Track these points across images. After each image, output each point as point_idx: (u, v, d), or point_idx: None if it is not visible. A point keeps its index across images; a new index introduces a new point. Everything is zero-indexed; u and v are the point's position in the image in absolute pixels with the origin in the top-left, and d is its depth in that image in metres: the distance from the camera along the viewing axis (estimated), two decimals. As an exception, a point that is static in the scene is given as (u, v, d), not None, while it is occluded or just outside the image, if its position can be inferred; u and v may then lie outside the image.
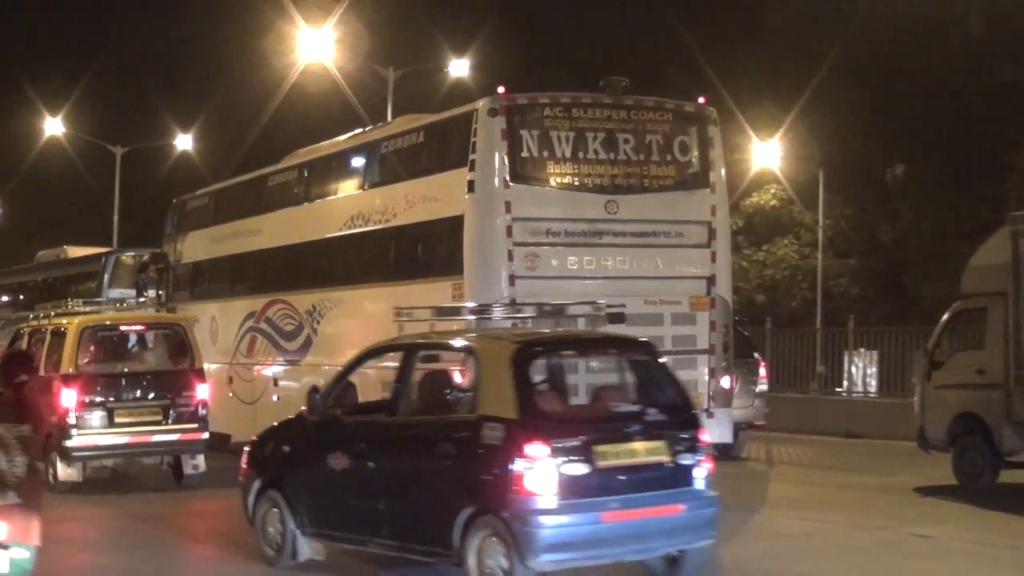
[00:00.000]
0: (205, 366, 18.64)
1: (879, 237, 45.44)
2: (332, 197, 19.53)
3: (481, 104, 15.90)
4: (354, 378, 12.36)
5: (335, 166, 19.91)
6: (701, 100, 16.95)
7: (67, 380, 17.42)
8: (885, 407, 25.62)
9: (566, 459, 9.98)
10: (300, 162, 21.08)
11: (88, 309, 19.71)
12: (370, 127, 19.72)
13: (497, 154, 15.69)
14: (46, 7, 68.96)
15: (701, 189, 16.66)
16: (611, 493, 10.14)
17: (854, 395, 27.56)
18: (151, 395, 17.85)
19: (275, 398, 20.26)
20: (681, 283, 16.46)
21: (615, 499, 10.14)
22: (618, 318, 15.71)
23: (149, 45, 63.33)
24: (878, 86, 45.21)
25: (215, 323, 22.41)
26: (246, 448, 12.86)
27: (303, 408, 12.13)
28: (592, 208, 16.02)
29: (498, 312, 12.26)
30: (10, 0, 65.15)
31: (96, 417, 17.49)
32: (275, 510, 12.05)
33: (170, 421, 17.77)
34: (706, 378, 16.45)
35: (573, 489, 9.97)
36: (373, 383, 14.40)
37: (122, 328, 18.80)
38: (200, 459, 18.05)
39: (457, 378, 12.04)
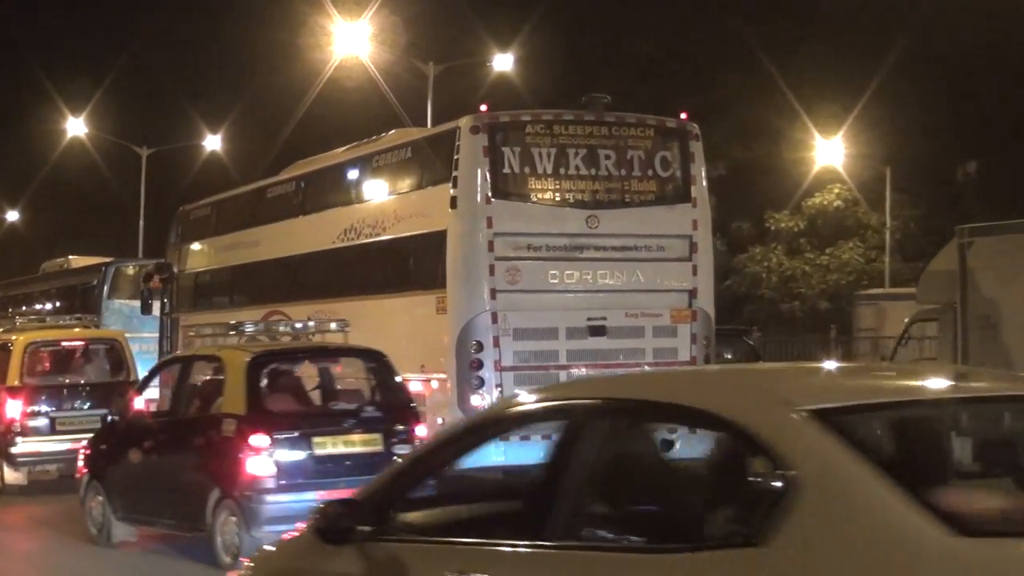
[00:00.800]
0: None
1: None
2: (327, 210, 21.79)
3: (464, 121, 18.03)
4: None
5: (330, 179, 22.22)
6: (683, 116, 19.02)
7: (13, 392, 20.89)
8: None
9: (287, 448, 13.61)
10: (297, 175, 23.46)
11: (33, 325, 24.14)
12: (365, 140, 21.93)
13: (479, 170, 17.82)
14: (68, 4, 71.25)
15: (682, 203, 18.68)
16: (329, 476, 13.52)
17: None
18: (88, 405, 21.12)
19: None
20: (662, 296, 18.48)
21: (332, 481, 13.35)
22: (599, 331, 18.08)
23: (174, 42, 65.24)
24: (949, 79, 46.18)
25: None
26: (83, 447, 16.65)
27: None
28: (573, 223, 18.11)
29: (249, 329, 16.60)
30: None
31: (40, 425, 20.79)
32: (99, 498, 15.72)
33: None
34: (688, 391, 18.43)
35: (293, 472, 13.52)
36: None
37: (63, 344, 22.51)
38: None
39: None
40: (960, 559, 4.31)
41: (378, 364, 15.41)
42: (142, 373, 19.87)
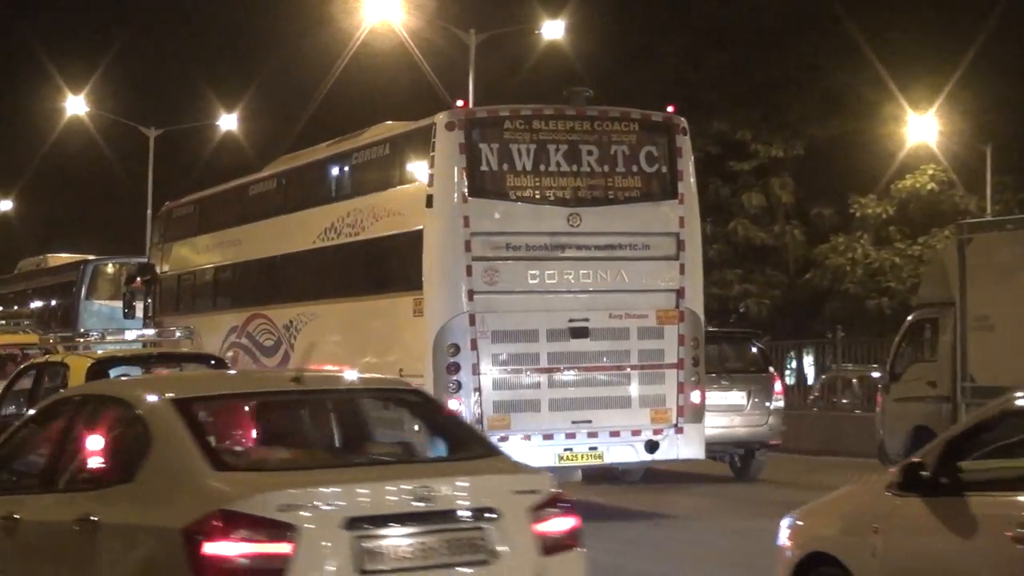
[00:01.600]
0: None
1: (1060, 226, 47.57)
2: (308, 209, 24.38)
3: (440, 118, 20.45)
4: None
5: (309, 177, 24.86)
6: (670, 109, 21.41)
7: None
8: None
9: None
10: (277, 171, 26.13)
11: None
12: (348, 135, 24.43)
13: (455, 168, 20.21)
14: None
15: (669, 200, 21.05)
16: None
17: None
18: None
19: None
20: (648, 296, 20.84)
21: None
22: (581, 333, 20.49)
23: (184, 12, 67.49)
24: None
25: (199, 339, 27.33)
26: None
27: None
28: (554, 221, 20.48)
29: (92, 338, 20.48)
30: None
31: None
32: None
33: None
34: (675, 393, 20.76)
35: None
36: None
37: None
38: None
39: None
40: (212, 480, 8.59)
41: (217, 364, 19.34)
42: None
